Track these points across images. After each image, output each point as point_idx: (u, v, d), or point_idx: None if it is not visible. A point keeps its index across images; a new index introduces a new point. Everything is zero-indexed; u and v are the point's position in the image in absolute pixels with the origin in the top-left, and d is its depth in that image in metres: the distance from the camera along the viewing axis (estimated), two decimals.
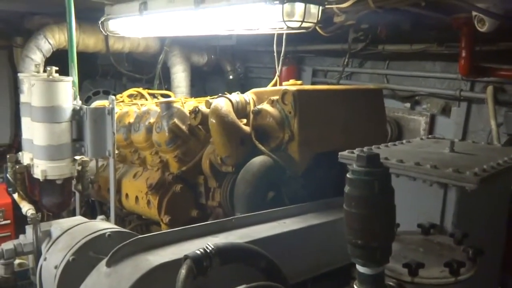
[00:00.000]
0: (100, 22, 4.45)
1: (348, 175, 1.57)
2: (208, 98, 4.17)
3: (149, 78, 6.26)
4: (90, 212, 4.08)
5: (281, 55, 3.65)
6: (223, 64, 6.89)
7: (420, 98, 5.57)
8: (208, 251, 1.73)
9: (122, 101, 4.31)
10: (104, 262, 1.93)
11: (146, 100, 4.59)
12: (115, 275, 1.84)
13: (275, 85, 3.55)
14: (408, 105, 5.74)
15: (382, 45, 5.49)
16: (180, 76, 5.92)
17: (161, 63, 5.89)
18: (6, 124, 6.51)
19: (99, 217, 3.11)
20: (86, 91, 5.88)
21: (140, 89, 4.71)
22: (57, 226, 2.69)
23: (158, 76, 5.93)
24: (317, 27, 3.70)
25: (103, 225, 2.45)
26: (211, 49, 6.55)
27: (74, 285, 2.05)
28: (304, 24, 2.79)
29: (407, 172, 2.04)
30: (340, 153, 2.30)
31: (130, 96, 4.63)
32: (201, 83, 7.19)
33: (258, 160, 2.69)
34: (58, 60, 3.40)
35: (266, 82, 7.36)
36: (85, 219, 2.94)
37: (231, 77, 6.90)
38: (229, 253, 1.81)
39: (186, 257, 1.72)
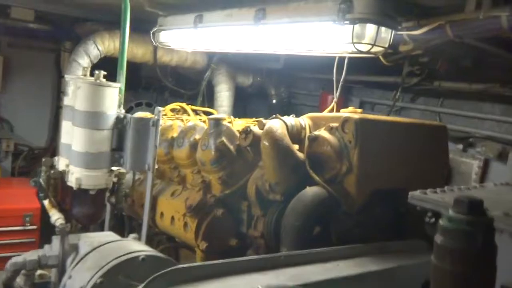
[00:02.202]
0: (151, 32, 4.35)
1: (442, 223, 1.29)
2: (253, 120, 3.99)
3: (192, 94, 6.14)
4: (119, 227, 3.88)
5: (341, 80, 3.41)
6: (267, 87, 6.71)
7: (474, 141, 5.22)
8: None
9: (165, 115, 4.14)
10: None
11: (189, 115, 4.41)
12: None
13: (331, 111, 3.31)
14: (460, 146, 5.38)
15: (439, 82, 5.20)
16: (224, 95, 5.77)
17: (207, 80, 5.75)
18: (44, 128, 6.49)
19: (131, 235, 2.90)
20: (128, 102, 5.77)
21: (184, 104, 4.54)
22: (86, 240, 2.49)
23: (202, 92, 5.78)
24: (380, 56, 3.48)
25: (136, 246, 2.23)
26: (257, 71, 6.39)
27: None
28: (374, 49, 2.56)
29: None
30: (411, 193, 2.03)
31: (172, 110, 4.46)
32: (242, 104, 7.01)
33: (311, 190, 2.44)
34: (104, 68, 3.28)
35: (309, 110, 7.13)
36: (117, 237, 2.73)
37: (274, 101, 6.70)
38: None
39: None
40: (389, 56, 3.63)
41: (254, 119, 4.08)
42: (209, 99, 6.14)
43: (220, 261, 1.83)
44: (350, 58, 3.58)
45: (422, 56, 4.48)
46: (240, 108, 6.84)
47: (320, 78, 6.67)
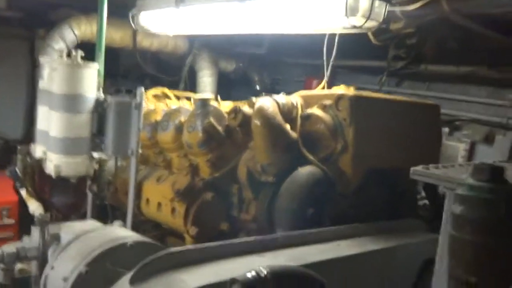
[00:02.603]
0: (131, 15, 4.16)
1: (462, 192, 1.19)
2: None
3: (173, 81, 5.94)
4: (101, 216, 3.71)
5: (331, 60, 3.29)
6: (250, 74, 6.57)
7: (460, 124, 5.19)
8: (262, 275, 1.36)
9: (148, 100, 3.97)
10: (126, 279, 1.56)
11: (171, 100, 4.26)
12: None
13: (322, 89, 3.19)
14: (446, 129, 5.34)
15: (425, 65, 5.14)
16: (206, 80, 5.61)
17: (188, 65, 5.58)
18: (19, 119, 6.21)
19: (116, 222, 2.74)
20: (107, 90, 5.57)
21: (166, 89, 4.38)
22: (68, 230, 2.33)
23: (184, 78, 5.61)
24: (369, 33, 3.38)
25: (122, 232, 2.09)
26: (240, 56, 6.24)
27: None
28: (368, 23, 2.44)
29: None
30: (413, 168, 1.93)
31: (154, 96, 4.30)
32: (226, 91, 6.86)
33: (305, 170, 2.33)
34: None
35: None
36: (100, 224, 2.58)
37: (258, 87, 6.57)
38: (286, 279, 1.44)
39: (234, 280, 1.35)
40: (378, 35, 3.54)
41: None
42: (191, 86, 5.97)
43: (215, 243, 1.72)
44: (337, 39, 3.46)
45: (410, 38, 4.39)
46: (223, 95, 6.66)
47: (304, 64, 6.55)
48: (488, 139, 4.94)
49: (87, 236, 2.07)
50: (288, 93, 6.82)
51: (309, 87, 6.48)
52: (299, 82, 6.63)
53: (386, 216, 2.70)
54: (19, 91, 6.12)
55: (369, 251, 2.00)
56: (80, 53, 2.81)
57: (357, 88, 6.33)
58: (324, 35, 3.60)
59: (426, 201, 3.25)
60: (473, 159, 5.06)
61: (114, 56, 5.97)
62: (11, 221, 4.22)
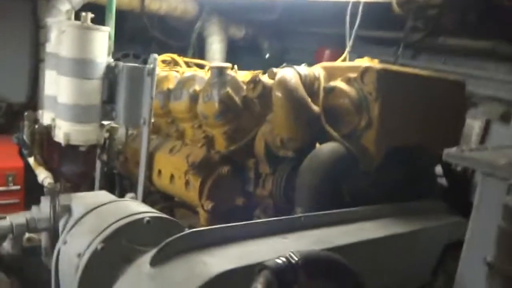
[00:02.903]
0: None
1: None
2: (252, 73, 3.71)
3: (181, 46, 5.76)
4: (109, 186, 3.63)
5: (354, 29, 3.14)
6: (260, 41, 6.38)
7: (477, 101, 5.05)
8: (293, 261, 1.27)
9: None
10: (146, 259, 1.48)
11: (181, 67, 4.11)
12: (162, 280, 1.39)
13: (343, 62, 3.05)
14: None
15: (444, 38, 4.96)
16: (216, 47, 5.44)
17: (197, 31, 5.39)
18: (23, 82, 6.06)
19: (129, 195, 2.64)
20: (114, 54, 5.40)
21: (175, 56, 4.23)
22: (80, 201, 2.24)
23: (193, 44, 5.44)
24: (394, 2, 3.22)
25: (137, 207, 2.00)
26: (250, 22, 6.04)
27: (102, 281, 1.61)
28: None
29: None
30: (447, 150, 1.82)
31: (163, 62, 4.14)
32: (233, 59, 6.69)
33: (328, 147, 2.22)
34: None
35: None
36: (113, 197, 2.49)
37: (267, 55, 6.39)
38: (317, 266, 1.35)
39: (263, 266, 1.26)
40: (402, 4, 3.37)
41: (251, 71, 3.81)
42: (200, 52, 5.80)
43: (238, 224, 1.62)
44: (362, 8, 3.30)
45: (432, 8, 4.21)
46: (230, 62, 6.51)
47: (316, 32, 6.35)
48: (504, 118, 4.83)
49: (101, 210, 1.98)
50: (300, 63, 6.62)
51: (320, 57, 6.30)
52: (310, 52, 6.45)
53: (406, 195, 2.62)
54: (22, 53, 5.95)
55: (393, 234, 1.91)
56: (90, 15, 2.66)
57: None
58: (345, 2, 3.44)
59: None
60: (488, 138, 4.95)
61: (120, 19, 5.75)
62: (16, 187, 4.15)
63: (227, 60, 6.19)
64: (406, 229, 2.02)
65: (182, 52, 5.78)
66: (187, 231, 1.52)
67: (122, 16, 5.57)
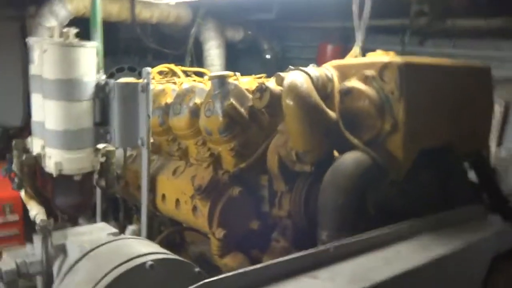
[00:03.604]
0: None
1: None
2: (254, 78, 3.45)
3: (178, 55, 5.53)
4: (113, 210, 3.38)
5: (365, 20, 2.86)
6: (259, 42, 6.13)
7: (494, 83, 4.77)
8: None
9: (153, 78, 3.57)
10: None
11: (179, 78, 3.86)
12: None
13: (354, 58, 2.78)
14: None
15: (452, 19, 4.69)
16: (214, 53, 5.19)
17: (193, 37, 5.14)
18: (17, 104, 5.84)
19: (130, 227, 2.39)
20: (108, 68, 5.16)
21: (172, 66, 3.97)
22: (75, 239, 2.00)
23: (190, 51, 5.18)
24: None
25: (139, 246, 1.74)
26: (248, 23, 5.79)
27: None
28: None
29: None
30: (495, 153, 1.55)
31: (160, 73, 3.89)
32: (233, 62, 6.43)
33: (351, 158, 1.95)
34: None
35: (306, 63, 6.58)
36: (111, 229, 2.24)
37: (268, 56, 6.13)
38: None
39: None
40: None
41: (254, 76, 3.55)
42: (198, 59, 5.55)
43: (258, 266, 1.36)
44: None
45: None
46: (230, 67, 6.26)
47: (316, 27, 6.11)
48: None
49: (98, 253, 1.73)
50: (303, 60, 6.35)
51: (323, 53, 6.04)
52: (312, 48, 6.19)
53: (439, 201, 2.35)
54: (14, 75, 5.72)
55: (436, 257, 1.64)
56: (74, 30, 2.41)
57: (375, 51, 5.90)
58: None
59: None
60: (509, 120, 4.68)
61: (113, 31, 5.54)
62: (15, 217, 3.92)
63: (227, 65, 5.95)
64: (449, 248, 1.75)
65: (179, 61, 5.55)
66: (202, 282, 1.25)
67: (114, 28, 5.34)
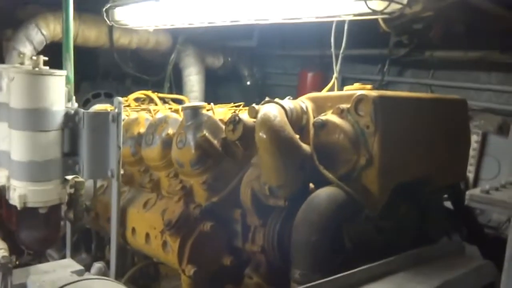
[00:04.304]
0: (104, 9, 3.68)
1: None
2: (232, 106, 3.41)
3: (157, 81, 5.47)
4: (84, 241, 3.26)
5: (341, 51, 2.86)
6: (240, 68, 6.12)
7: (471, 114, 4.82)
8: None
9: (128, 106, 3.52)
10: None
11: (156, 105, 3.81)
12: None
13: (331, 90, 2.77)
14: None
15: (430, 51, 4.76)
16: (193, 79, 5.15)
17: (173, 63, 5.11)
18: None
19: (96, 265, 2.30)
20: (85, 94, 5.07)
21: (149, 92, 3.92)
22: (36, 279, 1.90)
23: (168, 78, 5.14)
24: (380, 20, 2.96)
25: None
26: (228, 50, 5.79)
27: None
28: (390, 7, 2.02)
29: None
30: (469, 192, 1.52)
31: (137, 100, 3.84)
32: (213, 89, 6.40)
33: (324, 193, 1.90)
34: (52, 56, 2.67)
35: (287, 90, 6.57)
36: (76, 266, 2.14)
37: (248, 83, 6.12)
38: None
39: None
40: (388, 21, 3.12)
41: (232, 104, 3.51)
42: (177, 85, 5.50)
43: None
44: (347, 28, 3.04)
45: (417, 22, 3.99)
46: (210, 93, 6.23)
47: (297, 55, 6.14)
48: (502, 130, 4.61)
49: None
50: (283, 87, 6.31)
51: (303, 80, 6.06)
52: (293, 75, 6.21)
53: (417, 234, 2.31)
54: None
55: None
56: (43, 58, 2.34)
57: (355, 80, 5.95)
58: (325, 23, 3.16)
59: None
60: (486, 151, 4.71)
61: (92, 56, 5.47)
62: None
63: (207, 91, 5.92)
64: (425, 287, 1.70)
65: (159, 86, 5.50)
66: None
67: (93, 53, 5.28)
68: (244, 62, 6.09)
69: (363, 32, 4.01)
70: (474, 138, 4.72)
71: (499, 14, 3.52)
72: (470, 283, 1.88)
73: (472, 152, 4.67)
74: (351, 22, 3.14)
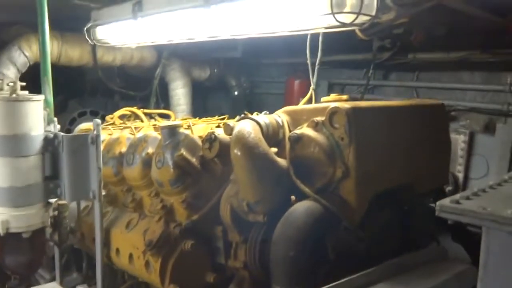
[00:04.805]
0: (85, 29, 3.70)
1: None
2: (217, 119, 3.42)
3: (144, 95, 5.48)
4: (75, 261, 3.25)
5: (317, 63, 2.88)
6: (227, 79, 6.14)
7: (457, 114, 4.86)
8: None
9: (113, 123, 3.52)
10: None
11: (142, 121, 3.81)
12: None
13: (309, 102, 2.78)
14: None
15: (413, 54, 4.79)
16: (180, 92, 5.16)
17: (158, 78, 5.12)
18: None
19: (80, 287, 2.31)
20: (72, 112, 5.07)
21: (134, 109, 3.93)
22: None
23: (155, 92, 5.15)
24: (357, 30, 2.98)
25: None
26: (214, 62, 5.81)
27: None
28: (359, 19, 2.04)
29: None
30: (439, 203, 1.52)
31: (122, 117, 3.84)
32: (201, 100, 6.42)
33: (302, 207, 1.91)
34: (37, 76, 2.69)
35: (274, 98, 6.62)
36: None
37: (236, 93, 6.14)
38: None
39: None
40: (365, 29, 3.14)
41: (217, 117, 3.52)
42: (164, 99, 5.51)
43: None
44: (319, 36, 3.06)
45: (397, 28, 4.02)
46: (199, 105, 6.24)
47: (283, 63, 6.16)
48: (489, 128, 4.63)
49: None
50: (271, 96, 6.30)
51: (291, 87, 6.08)
52: (279, 83, 6.23)
53: (400, 241, 2.32)
54: None
55: None
56: (20, 84, 2.36)
57: (342, 85, 5.94)
58: (304, 35, 3.19)
59: None
60: (474, 150, 4.73)
61: (79, 73, 5.49)
62: None
63: (195, 103, 5.93)
64: None
65: (147, 101, 5.51)
66: None
67: (78, 71, 5.29)
68: (230, 72, 6.11)
69: (346, 38, 4.04)
70: (462, 138, 4.75)
71: (478, 15, 3.56)
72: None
73: (460, 152, 4.71)
74: (332, 34, 3.16)
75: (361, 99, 5.25)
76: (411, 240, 2.38)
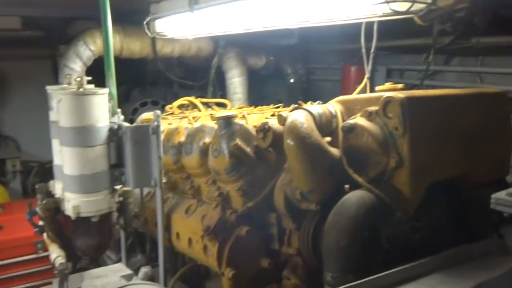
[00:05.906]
0: (145, 22, 3.86)
1: None
2: (272, 108, 3.47)
3: (202, 84, 5.64)
4: (139, 243, 3.44)
5: (371, 51, 2.86)
6: (283, 67, 6.17)
7: None
8: None
9: (172, 113, 3.66)
10: None
11: (199, 111, 3.93)
12: None
13: (363, 91, 2.77)
14: None
15: (477, 38, 4.57)
16: (236, 81, 5.25)
17: (215, 67, 5.24)
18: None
19: (143, 269, 2.46)
20: (134, 102, 5.32)
21: (192, 98, 4.05)
22: (89, 284, 2.06)
23: (212, 82, 5.28)
24: (415, 17, 2.91)
25: None
26: (270, 49, 5.85)
27: None
28: (415, 7, 2.01)
29: None
30: (495, 196, 1.50)
31: (180, 106, 3.98)
32: (258, 88, 6.48)
33: (355, 197, 1.93)
34: (101, 68, 2.85)
35: (331, 85, 6.57)
36: (126, 270, 2.30)
37: (292, 80, 6.16)
38: None
39: None
40: (424, 15, 3.06)
41: (272, 106, 3.57)
42: (222, 87, 5.64)
43: None
44: (376, 28, 3.02)
45: (458, 11, 3.87)
46: (256, 93, 6.32)
47: (340, 49, 6.09)
48: None
49: None
50: (328, 82, 6.27)
51: (347, 74, 6.01)
52: (336, 70, 6.17)
53: (454, 232, 2.28)
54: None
55: None
56: (86, 78, 2.52)
57: (401, 71, 5.77)
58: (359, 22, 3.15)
59: None
60: None
61: (141, 65, 5.73)
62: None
63: (251, 91, 6.02)
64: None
65: (203, 90, 5.66)
66: None
67: (140, 63, 5.52)
68: (286, 59, 6.12)
69: (404, 23, 3.95)
70: None
71: None
72: (507, 284, 1.85)
73: None
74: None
75: (421, 85, 5.11)
76: (469, 232, 2.33)
